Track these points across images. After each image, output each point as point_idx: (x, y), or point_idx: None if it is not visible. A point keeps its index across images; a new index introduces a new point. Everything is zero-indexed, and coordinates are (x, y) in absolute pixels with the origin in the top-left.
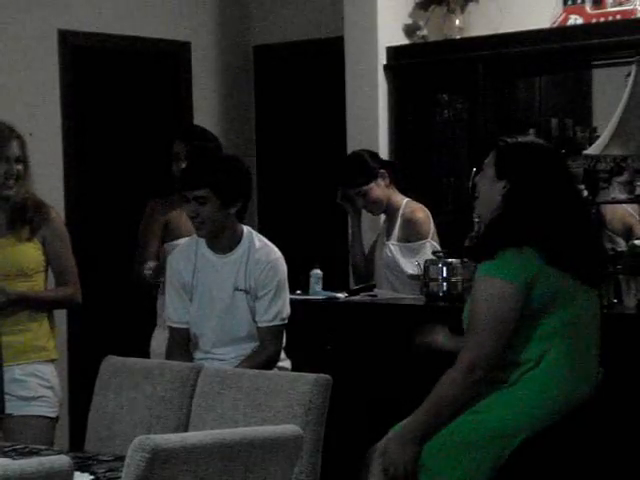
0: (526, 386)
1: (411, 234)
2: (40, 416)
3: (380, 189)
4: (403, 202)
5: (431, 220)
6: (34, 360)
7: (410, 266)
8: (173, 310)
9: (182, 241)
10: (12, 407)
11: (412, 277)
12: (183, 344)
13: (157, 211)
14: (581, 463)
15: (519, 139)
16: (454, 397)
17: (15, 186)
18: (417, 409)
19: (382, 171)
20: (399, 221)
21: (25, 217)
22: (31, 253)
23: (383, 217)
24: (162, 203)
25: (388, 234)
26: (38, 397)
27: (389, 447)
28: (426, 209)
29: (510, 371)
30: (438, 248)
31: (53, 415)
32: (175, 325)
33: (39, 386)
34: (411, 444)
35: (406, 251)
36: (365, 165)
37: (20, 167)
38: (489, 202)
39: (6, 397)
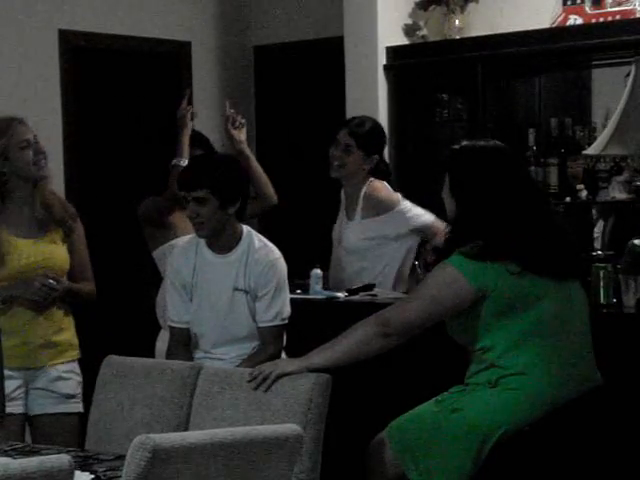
0: (506, 387)
1: (378, 207)
2: (76, 413)
3: (358, 163)
4: (366, 182)
5: (392, 192)
6: (73, 358)
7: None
8: (173, 310)
9: (179, 241)
10: (52, 405)
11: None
12: (184, 344)
13: (148, 207)
14: (574, 461)
15: (466, 145)
16: (360, 341)
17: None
18: (329, 345)
19: (375, 156)
20: (361, 201)
21: (57, 219)
22: (65, 255)
23: (342, 201)
24: (155, 200)
25: (349, 216)
26: (77, 394)
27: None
28: (387, 186)
29: (489, 374)
30: (409, 206)
31: (82, 411)
32: (175, 325)
33: (78, 384)
34: (300, 367)
35: (373, 225)
36: (380, 141)
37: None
38: (450, 215)
39: (48, 394)
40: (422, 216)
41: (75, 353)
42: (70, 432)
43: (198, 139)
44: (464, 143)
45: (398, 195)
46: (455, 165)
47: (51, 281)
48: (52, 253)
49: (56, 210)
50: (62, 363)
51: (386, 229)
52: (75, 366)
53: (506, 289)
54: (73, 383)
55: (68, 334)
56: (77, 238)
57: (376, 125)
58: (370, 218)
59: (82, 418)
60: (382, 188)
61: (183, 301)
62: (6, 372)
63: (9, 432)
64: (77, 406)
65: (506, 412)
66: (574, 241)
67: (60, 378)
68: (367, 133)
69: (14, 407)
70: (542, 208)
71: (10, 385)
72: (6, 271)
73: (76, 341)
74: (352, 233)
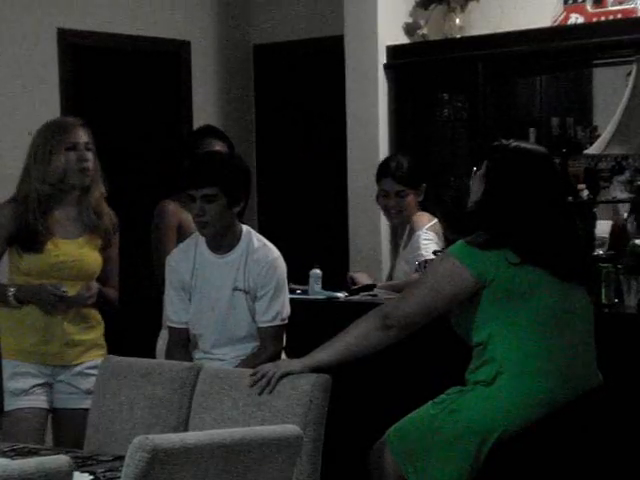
0: (502, 384)
1: (411, 237)
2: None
3: (415, 200)
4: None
5: (430, 222)
6: (97, 357)
7: None
8: (172, 310)
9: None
10: (74, 400)
11: None
12: (182, 344)
13: (169, 211)
14: (574, 461)
15: (514, 143)
16: (362, 334)
17: (90, 176)
18: (331, 342)
19: (423, 185)
20: (406, 233)
21: (103, 228)
22: (98, 261)
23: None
24: (173, 202)
25: (398, 251)
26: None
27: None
28: (431, 217)
29: (488, 370)
30: (431, 237)
31: None
32: (174, 325)
33: None
34: (302, 366)
35: (405, 259)
36: (422, 170)
37: (91, 155)
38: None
39: (71, 389)
40: (425, 256)
41: (101, 353)
42: (84, 428)
43: (215, 132)
44: (516, 142)
45: (425, 221)
46: (501, 159)
47: (64, 289)
48: (85, 256)
49: (105, 220)
50: (87, 361)
51: (408, 264)
52: (99, 363)
53: (505, 279)
54: (94, 380)
55: (94, 334)
56: (114, 248)
57: (411, 159)
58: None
59: None
60: (423, 216)
61: (182, 301)
62: (27, 369)
63: (30, 426)
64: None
65: (504, 413)
66: (585, 248)
67: (82, 374)
68: (410, 172)
69: (36, 402)
70: (563, 212)
71: (30, 382)
72: (39, 264)
73: (103, 342)
74: (398, 263)
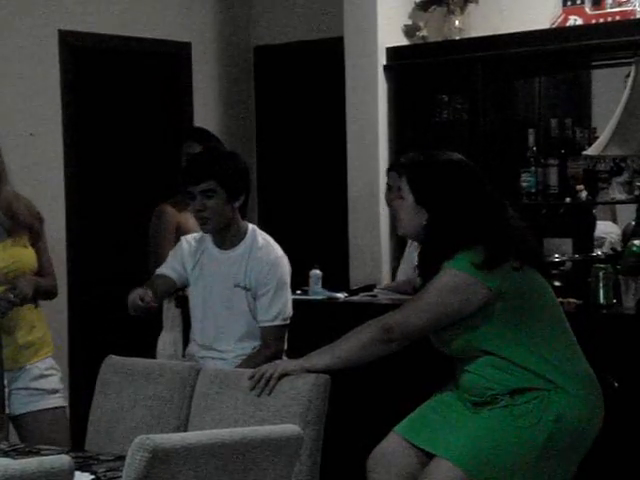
0: (570, 382)
1: None
2: (61, 407)
3: None
4: None
5: None
6: (48, 355)
7: None
8: (164, 264)
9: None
10: (35, 402)
11: None
12: (152, 285)
13: (167, 214)
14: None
15: (425, 159)
16: (362, 345)
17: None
18: (330, 347)
19: None
20: None
21: (24, 225)
22: (33, 257)
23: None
24: (171, 205)
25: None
26: (60, 389)
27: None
28: None
29: (548, 372)
30: None
31: (66, 405)
32: (159, 272)
33: (60, 379)
34: (300, 367)
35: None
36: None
37: None
38: (415, 226)
39: (31, 392)
40: None
41: (49, 349)
42: (57, 426)
43: (206, 135)
44: (426, 155)
45: None
46: (424, 176)
47: (11, 295)
48: (21, 256)
49: (22, 216)
50: (40, 360)
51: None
52: (53, 362)
53: (518, 284)
54: (55, 379)
55: (40, 331)
56: (43, 238)
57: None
58: None
59: (75, 414)
60: None
61: (174, 261)
62: None
63: None
64: (60, 400)
65: (597, 406)
66: (536, 243)
67: (42, 376)
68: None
69: None
70: (507, 214)
71: None
72: None
73: (49, 337)
74: (403, 263)
